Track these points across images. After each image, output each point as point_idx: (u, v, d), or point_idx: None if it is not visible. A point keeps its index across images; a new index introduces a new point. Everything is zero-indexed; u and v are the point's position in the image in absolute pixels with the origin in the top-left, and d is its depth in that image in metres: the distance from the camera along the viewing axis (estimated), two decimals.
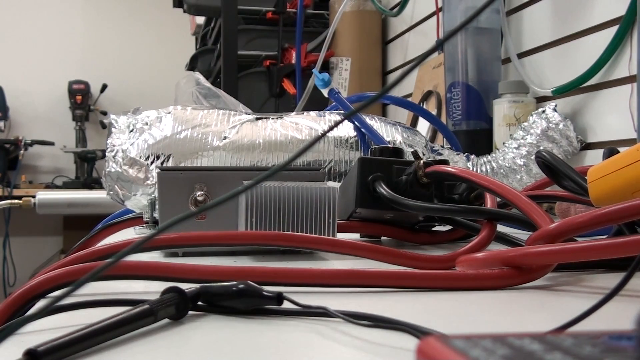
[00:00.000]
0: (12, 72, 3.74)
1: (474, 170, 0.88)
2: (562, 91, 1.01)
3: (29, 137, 3.62)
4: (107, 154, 0.75)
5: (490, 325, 0.31)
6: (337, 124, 0.82)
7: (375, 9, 1.77)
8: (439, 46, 1.24)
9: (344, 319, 0.30)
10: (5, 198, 2.51)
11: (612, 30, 0.92)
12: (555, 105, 0.96)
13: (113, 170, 0.74)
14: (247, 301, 0.32)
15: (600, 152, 0.94)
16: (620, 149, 0.50)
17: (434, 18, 1.47)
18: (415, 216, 0.63)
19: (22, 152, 3.55)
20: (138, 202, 0.75)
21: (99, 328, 0.27)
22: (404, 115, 1.53)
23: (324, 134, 0.26)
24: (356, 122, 0.80)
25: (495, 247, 0.48)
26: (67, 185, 3.52)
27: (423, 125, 1.36)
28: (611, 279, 0.43)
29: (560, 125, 0.94)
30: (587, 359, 0.16)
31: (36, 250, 3.63)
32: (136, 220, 0.80)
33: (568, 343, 0.17)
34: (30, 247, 3.67)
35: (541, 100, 1.07)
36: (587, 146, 0.98)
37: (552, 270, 0.41)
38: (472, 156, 0.90)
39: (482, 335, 0.18)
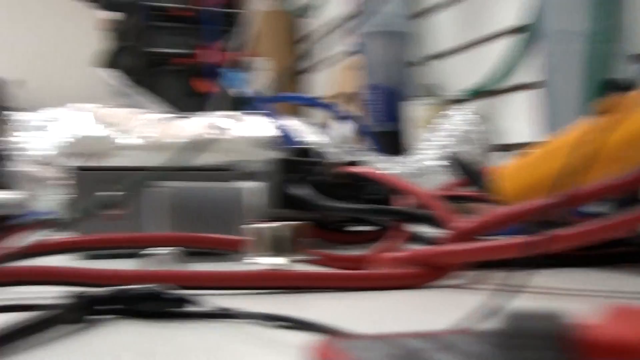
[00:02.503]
0: None
1: (388, 171, 0.89)
2: (472, 94, 1.04)
3: None
4: (14, 153, 0.73)
5: (396, 325, 0.32)
6: (248, 123, 0.82)
7: (290, 9, 1.77)
8: (353, 48, 1.25)
9: (250, 320, 0.30)
10: None
11: (518, 36, 0.94)
12: (465, 108, 0.98)
13: (21, 170, 0.72)
14: (150, 304, 0.32)
15: (511, 153, 0.97)
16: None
17: (349, 20, 1.48)
18: (331, 216, 0.64)
19: None
20: (47, 202, 0.73)
21: None
22: (322, 116, 1.53)
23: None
24: (273, 122, 0.80)
25: (411, 247, 0.49)
26: None
27: (339, 127, 1.37)
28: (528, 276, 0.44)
29: (471, 127, 0.96)
30: (476, 357, 0.16)
31: None
32: (44, 222, 0.78)
33: (455, 340, 0.18)
34: None
35: (451, 103, 1.10)
36: (497, 148, 1.01)
37: (470, 268, 0.41)
38: (386, 157, 0.92)
39: (372, 335, 0.18)
